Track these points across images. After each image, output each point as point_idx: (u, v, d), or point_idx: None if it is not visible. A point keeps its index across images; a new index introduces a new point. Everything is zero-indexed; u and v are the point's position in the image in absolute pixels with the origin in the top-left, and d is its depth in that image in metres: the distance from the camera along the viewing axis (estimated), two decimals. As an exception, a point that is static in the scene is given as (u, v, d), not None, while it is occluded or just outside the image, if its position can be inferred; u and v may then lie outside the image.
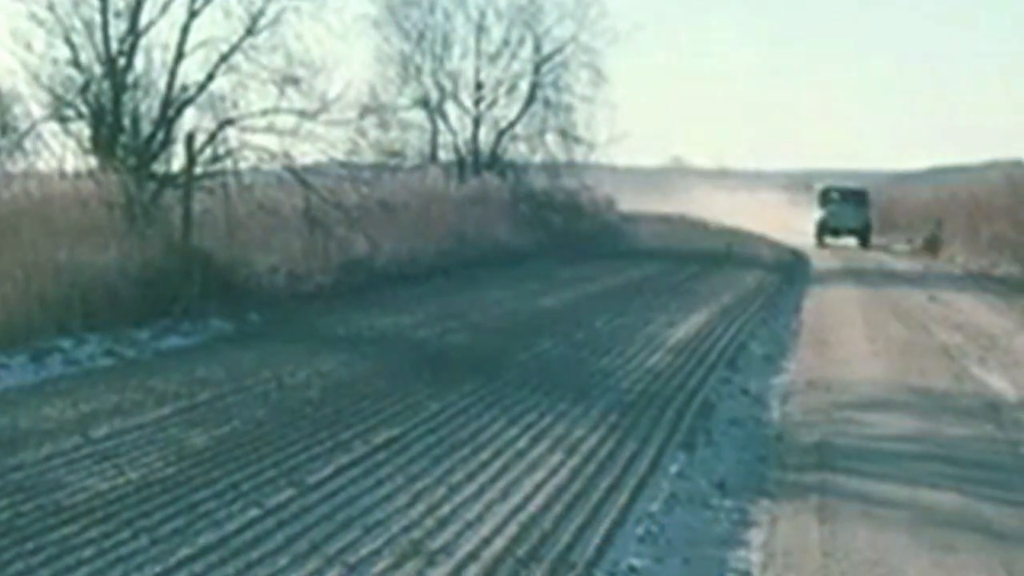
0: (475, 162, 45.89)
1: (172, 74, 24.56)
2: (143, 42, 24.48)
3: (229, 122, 24.68)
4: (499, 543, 8.81)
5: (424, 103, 46.18)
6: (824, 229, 55.60)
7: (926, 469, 11.52)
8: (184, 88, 24.66)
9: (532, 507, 9.75)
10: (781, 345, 19.86)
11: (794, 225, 59.98)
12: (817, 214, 56.43)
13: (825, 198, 57.03)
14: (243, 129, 24.75)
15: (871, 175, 62.65)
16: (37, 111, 24.02)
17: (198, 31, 24.79)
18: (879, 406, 14.81)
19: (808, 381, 16.38)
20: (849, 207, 55.86)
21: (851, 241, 55.24)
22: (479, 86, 47.12)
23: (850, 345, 20.17)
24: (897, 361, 18.43)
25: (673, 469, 11.21)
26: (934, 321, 23.43)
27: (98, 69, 24.18)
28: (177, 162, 24.36)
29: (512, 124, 47.49)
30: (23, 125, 23.86)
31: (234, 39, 24.87)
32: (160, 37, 24.67)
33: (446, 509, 9.64)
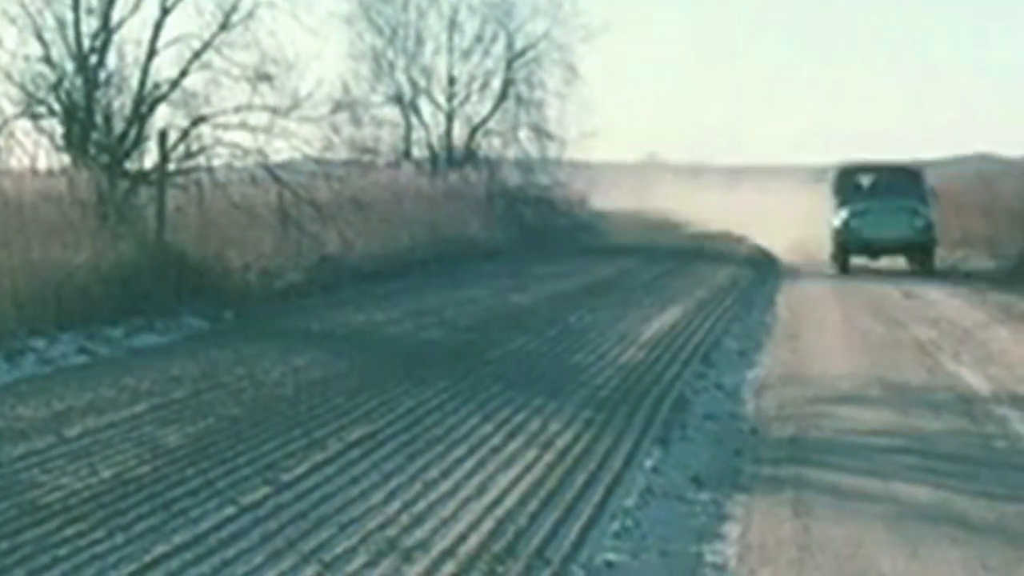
0: (448, 158, 45.90)
1: (144, 71, 24.54)
2: (115, 39, 24.48)
3: (202, 119, 24.65)
4: (475, 539, 8.81)
5: (397, 99, 46.20)
6: (848, 242, 33.43)
7: (900, 463, 11.54)
8: (157, 85, 24.63)
9: (508, 503, 9.75)
10: (755, 340, 19.89)
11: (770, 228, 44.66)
12: (835, 216, 33.81)
13: (847, 186, 34.74)
14: (216, 126, 24.75)
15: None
16: (8, 108, 23.98)
17: (171, 28, 24.81)
18: (853, 400, 14.84)
19: (782, 376, 16.41)
20: (894, 202, 33.52)
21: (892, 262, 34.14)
22: (452, 82, 47.15)
23: (824, 340, 20.21)
24: (871, 356, 18.46)
25: (648, 464, 11.22)
26: (908, 315, 23.47)
27: (70, 66, 24.13)
28: (150, 159, 24.37)
29: (485, 120, 47.53)
30: (-6, 123, 23.79)
31: (207, 36, 24.86)
32: (132, 34, 24.67)
33: (421, 506, 9.64)
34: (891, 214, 33.27)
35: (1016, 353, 18.52)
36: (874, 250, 33.83)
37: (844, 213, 33.64)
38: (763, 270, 35.28)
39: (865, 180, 35.25)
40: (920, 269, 33.02)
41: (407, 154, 45.40)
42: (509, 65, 47.90)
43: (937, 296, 27.12)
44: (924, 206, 33.56)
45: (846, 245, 33.65)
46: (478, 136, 47.33)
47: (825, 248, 34.92)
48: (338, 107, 27.46)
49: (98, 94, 24.23)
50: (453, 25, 47.24)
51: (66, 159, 23.64)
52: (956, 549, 8.84)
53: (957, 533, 9.23)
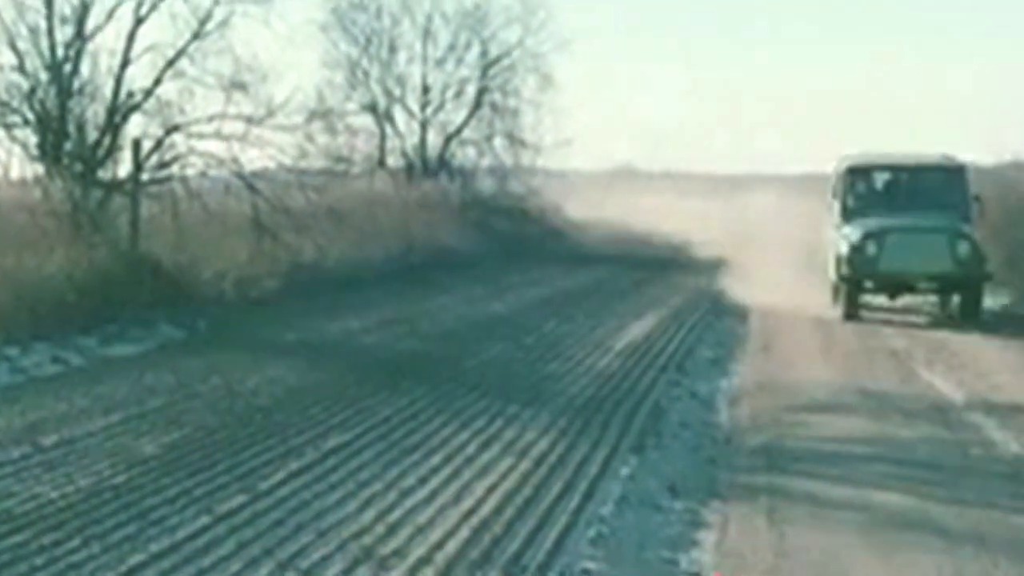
0: (423, 167, 45.86)
1: (118, 80, 24.46)
2: (89, 48, 24.39)
3: (176, 128, 24.58)
4: (451, 547, 8.82)
5: (371, 108, 46.14)
6: (859, 276, 23.73)
7: (875, 470, 11.58)
8: (130, 94, 24.55)
9: (484, 511, 9.76)
10: (729, 348, 19.93)
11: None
12: (839, 236, 24.32)
13: (857, 192, 25.22)
14: (190, 135, 24.67)
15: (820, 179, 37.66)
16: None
17: (145, 37, 24.72)
18: (827, 408, 14.89)
19: (757, 384, 16.45)
20: (926, 217, 23.94)
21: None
22: (426, 91, 47.10)
23: (798, 348, 20.25)
24: (845, 364, 18.52)
25: (624, 472, 11.24)
26: (882, 325, 23.51)
27: (44, 75, 24.06)
28: (124, 168, 24.27)
29: (459, 129, 47.48)
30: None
31: (180, 44, 24.79)
32: (106, 43, 24.58)
33: (397, 514, 9.65)
34: (922, 236, 23.66)
35: (988, 361, 18.60)
36: (896, 287, 24.23)
37: (853, 233, 23.90)
38: (737, 276, 35.20)
39: (883, 184, 25.56)
40: (960, 316, 23.70)
41: (382, 163, 45.35)
42: (483, 73, 47.88)
43: (910, 304, 27.13)
44: (969, 224, 23.95)
45: (856, 279, 23.79)
46: (452, 145, 47.30)
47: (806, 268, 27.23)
48: (312, 116, 27.36)
49: (72, 103, 24.16)
50: (427, 34, 47.19)
51: (40, 168, 23.58)
52: (931, 556, 8.88)
53: (932, 540, 9.27)
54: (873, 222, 23.88)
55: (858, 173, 25.27)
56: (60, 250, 19.95)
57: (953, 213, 23.97)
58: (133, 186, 23.30)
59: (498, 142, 47.92)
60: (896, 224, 23.75)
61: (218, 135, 24.89)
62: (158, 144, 24.35)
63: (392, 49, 46.70)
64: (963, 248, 23.24)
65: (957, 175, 24.78)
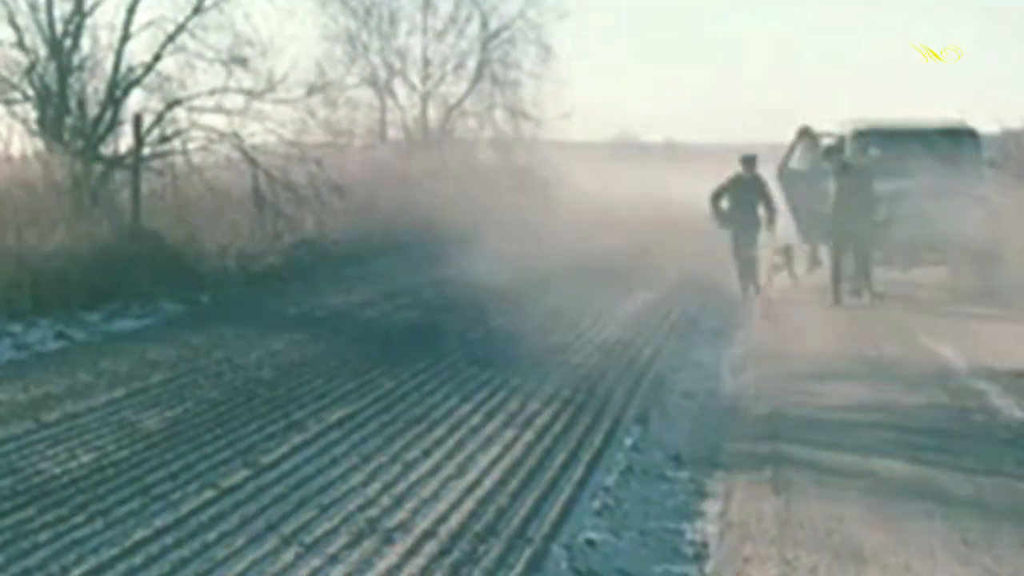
0: (424, 140, 45.80)
1: (118, 55, 24.42)
2: (89, 23, 24.34)
3: (176, 102, 24.56)
4: (456, 519, 8.82)
5: (372, 81, 46.06)
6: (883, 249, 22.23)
7: (879, 438, 11.57)
8: (131, 69, 24.53)
9: (488, 483, 9.76)
10: (733, 317, 19.91)
11: None
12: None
13: (868, 156, 23.66)
14: (191, 109, 24.65)
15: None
16: (-18, 94, 23.87)
17: (144, 11, 24.67)
18: (830, 376, 14.87)
19: (760, 353, 16.44)
20: (938, 182, 22.32)
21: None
22: (427, 63, 47.04)
23: (801, 317, 20.23)
24: (848, 332, 18.50)
25: (628, 442, 11.23)
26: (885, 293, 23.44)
27: (43, 51, 24.01)
28: (125, 144, 24.26)
29: (460, 101, 47.42)
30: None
31: (181, 19, 24.75)
32: (106, 17, 24.59)
33: (402, 487, 9.64)
34: (935, 200, 21.99)
35: (991, 329, 18.58)
36: (909, 257, 22.69)
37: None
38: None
39: (891, 149, 23.81)
40: (977, 287, 21.97)
41: (383, 136, 45.31)
42: (484, 45, 47.81)
43: (911, 273, 27.08)
44: (982, 188, 22.87)
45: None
46: (453, 117, 47.26)
47: None
48: (313, 89, 27.32)
49: (72, 79, 24.12)
50: (427, 6, 47.11)
51: (40, 144, 23.54)
52: (936, 523, 8.87)
53: (937, 507, 9.26)
54: (884, 186, 21.98)
55: (865, 138, 23.94)
56: (62, 226, 19.94)
57: (967, 176, 22.83)
58: (134, 161, 23.29)
59: (499, 114, 47.90)
60: (907, 187, 22.24)
61: (219, 109, 24.89)
62: (159, 119, 24.34)
63: (392, 21, 46.63)
64: (977, 212, 22.04)
65: (969, 139, 23.89)
